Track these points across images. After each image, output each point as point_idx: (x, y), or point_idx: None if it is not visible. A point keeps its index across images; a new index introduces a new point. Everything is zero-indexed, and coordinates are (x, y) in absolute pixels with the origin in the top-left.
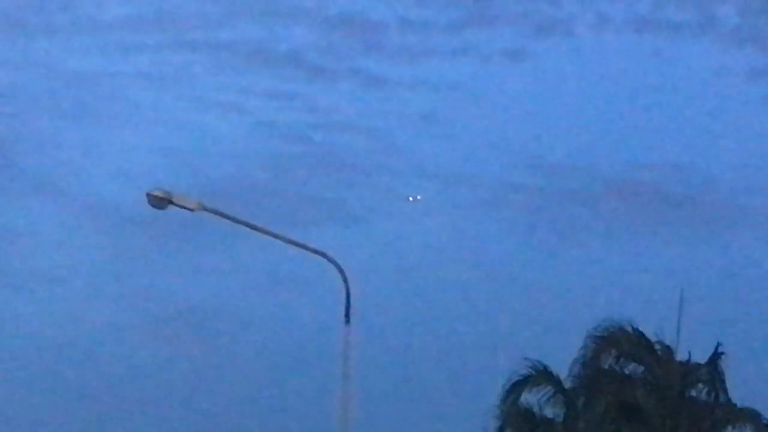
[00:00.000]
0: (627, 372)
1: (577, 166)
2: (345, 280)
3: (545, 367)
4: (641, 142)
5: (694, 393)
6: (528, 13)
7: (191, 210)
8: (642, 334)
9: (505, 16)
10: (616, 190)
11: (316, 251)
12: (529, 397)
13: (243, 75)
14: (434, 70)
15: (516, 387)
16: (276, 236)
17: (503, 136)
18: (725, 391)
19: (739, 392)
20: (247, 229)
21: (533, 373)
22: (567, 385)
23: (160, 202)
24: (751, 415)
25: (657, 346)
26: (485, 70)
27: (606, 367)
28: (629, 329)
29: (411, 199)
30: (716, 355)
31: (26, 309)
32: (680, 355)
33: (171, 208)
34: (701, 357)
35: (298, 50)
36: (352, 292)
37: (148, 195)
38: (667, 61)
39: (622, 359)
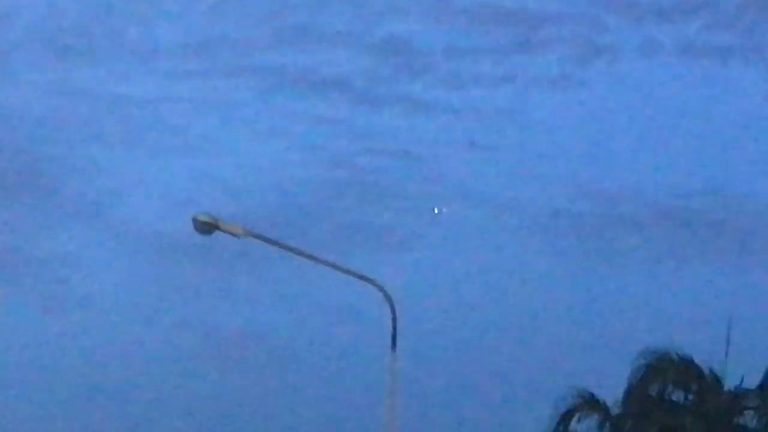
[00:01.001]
0: (675, 399)
1: (623, 192)
2: (392, 307)
3: (592, 396)
4: (688, 168)
5: (743, 420)
6: (574, 39)
7: (237, 236)
8: (690, 361)
9: (551, 42)
10: (662, 216)
11: (362, 277)
12: (577, 426)
13: (289, 101)
14: (480, 96)
15: (565, 417)
16: (322, 262)
17: (549, 162)
18: None
19: None
20: (293, 255)
21: (581, 401)
22: (614, 412)
23: (207, 227)
24: None
25: (705, 373)
26: (531, 96)
27: (653, 394)
28: (676, 357)
29: (436, 211)
30: (766, 381)
31: (70, 335)
32: (729, 382)
33: (217, 234)
34: (751, 383)
35: (343, 76)
36: (399, 318)
37: (194, 220)
38: (716, 86)
39: (669, 387)
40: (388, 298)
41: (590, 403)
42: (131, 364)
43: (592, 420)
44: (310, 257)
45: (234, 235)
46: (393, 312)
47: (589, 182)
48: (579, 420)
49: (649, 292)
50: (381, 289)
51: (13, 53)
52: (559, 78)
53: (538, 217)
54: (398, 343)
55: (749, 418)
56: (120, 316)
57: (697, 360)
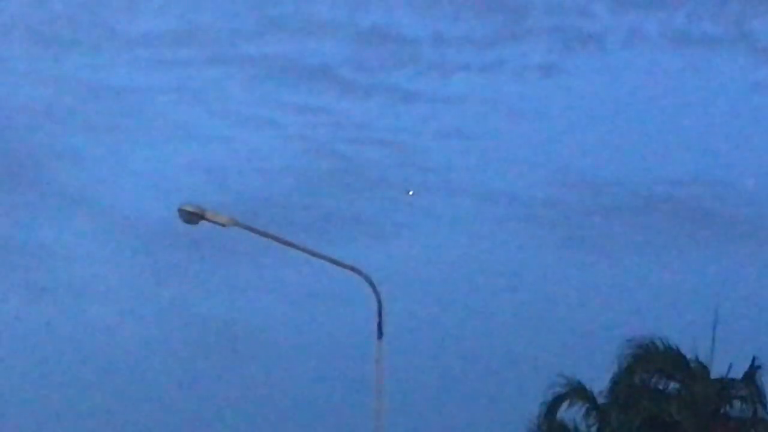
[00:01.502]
0: (662, 388)
1: (611, 181)
2: (377, 295)
3: (580, 384)
4: (676, 157)
5: (730, 409)
6: (561, 28)
7: (223, 225)
8: (676, 350)
9: (537, 31)
10: (649, 205)
11: (348, 266)
12: (564, 414)
13: (274, 89)
14: (466, 85)
15: (553, 405)
16: (308, 251)
17: (536, 151)
18: (764, 405)
19: None
20: (279, 244)
21: (568, 390)
22: (601, 401)
23: (193, 217)
24: None
25: (692, 362)
26: (518, 84)
27: (640, 383)
28: (662, 345)
29: (411, 193)
30: (753, 370)
31: (58, 323)
32: (716, 371)
33: (203, 224)
34: (737, 372)
35: (329, 65)
36: (385, 307)
37: (180, 210)
38: (702, 75)
39: (656, 375)
40: (374, 287)
41: (577, 391)
42: (117, 352)
43: (579, 408)
44: (296, 246)
45: (220, 224)
46: (378, 301)
47: (575, 171)
48: (566, 408)
49: (636, 281)
50: (366, 278)
51: None
52: (546, 66)
53: (524, 206)
54: (384, 331)
55: (736, 407)
56: (106, 305)
57: (683, 349)
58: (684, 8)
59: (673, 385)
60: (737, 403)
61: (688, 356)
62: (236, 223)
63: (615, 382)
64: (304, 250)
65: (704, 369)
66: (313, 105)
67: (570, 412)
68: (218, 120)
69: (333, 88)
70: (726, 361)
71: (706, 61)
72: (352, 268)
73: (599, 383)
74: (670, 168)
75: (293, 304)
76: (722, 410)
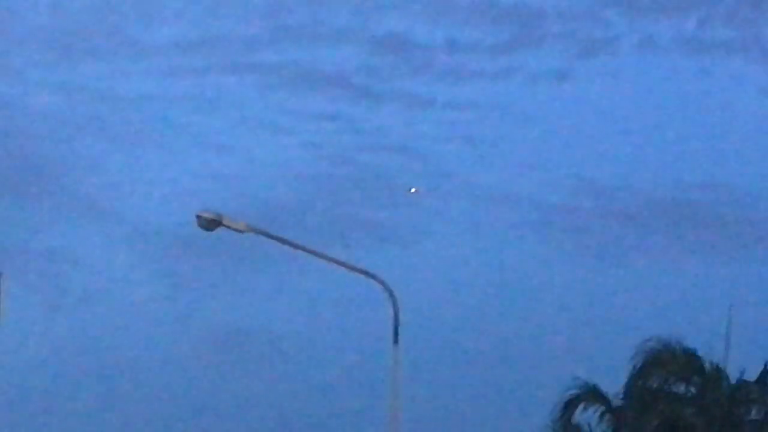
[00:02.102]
0: (676, 391)
1: (623, 186)
2: (393, 301)
3: (595, 387)
4: (687, 161)
5: (744, 411)
6: (573, 34)
7: (240, 232)
8: (691, 353)
9: (550, 37)
10: (662, 210)
11: (364, 272)
12: (579, 417)
13: (289, 97)
14: (480, 92)
15: (568, 406)
16: (325, 257)
17: (550, 157)
18: None
19: None
20: (296, 250)
21: (583, 392)
22: (616, 404)
23: (210, 223)
24: None
25: (706, 365)
26: (531, 91)
27: (655, 386)
28: (678, 348)
29: (413, 190)
30: (766, 373)
31: (73, 331)
32: (730, 374)
33: (220, 230)
34: (751, 375)
35: (344, 72)
36: (401, 312)
37: (198, 216)
38: (714, 80)
39: (671, 378)
40: (390, 293)
41: (593, 394)
42: (135, 359)
43: (595, 411)
44: (313, 252)
45: (237, 230)
46: (395, 306)
47: (588, 176)
48: (582, 411)
49: (650, 285)
50: (383, 283)
51: (15, 51)
52: (559, 73)
53: (539, 211)
54: (400, 336)
55: (750, 411)
56: (123, 312)
57: (698, 352)
58: (696, 14)
59: (687, 389)
60: (751, 407)
61: (703, 360)
62: (253, 230)
63: (630, 385)
64: (320, 256)
65: (719, 372)
66: (328, 112)
67: (585, 415)
68: (234, 127)
69: (348, 95)
70: (740, 364)
71: (717, 66)
72: (369, 274)
73: (614, 386)
74: (683, 173)
75: (310, 310)
76: (736, 413)
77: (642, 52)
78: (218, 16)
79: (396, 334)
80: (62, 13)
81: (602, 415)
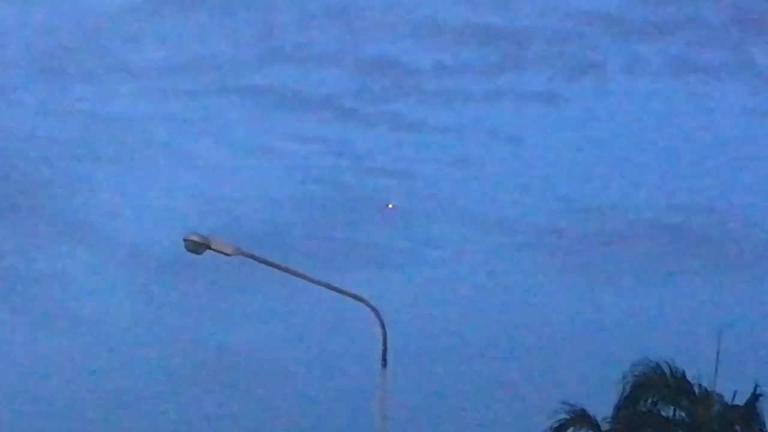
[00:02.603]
0: (665, 414)
1: (611, 207)
2: (382, 324)
3: (584, 410)
4: (676, 184)
5: None
6: (561, 56)
7: (228, 255)
8: (680, 376)
9: (539, 60)
10: (651, 232)
11: (352, 295)
12: None
13: (277, 119)
14: (469, 114)
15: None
16: (313, 281)
17: (538, 179)
18: None
19: None
20: (284, 273)
21: (572, 417)
22: (605, 428)
23: (198, 246)
24: None
25: (695, 389)
26: (519, 112)
27: (644, 409)
28: (667, 371)
29: (390, 206)
30: (755, 397)
31: (62, 354)
32: (719, 397)
33: (208, 253)
34: (740, 398)
35: (332, 94)
36: (389, 335)
37: (186, 240)
38: (702, 102)
39: (660, 402)
40: (378, 316)
41: (581, 418)
42: (123, 382)
43: None
44: (300, 275)
45: (225, 253)
46: (383, 329)
47: (577, 198)
48: None
49: (639, 307)
50: (371, 306)
51: (3, 73)
52: (547, 95)
53: (527, 234)
54: (388, 360)
55: None
56: (112, 335)
57: (687, 375)
58: (684, 36)
59: (677, 412)
60: (738, 429)
61: (692, 382)
62: (241, 253)
63: (619, 409)
64: (308, 278)
65: (707, 395)
66: (317, 134)
67: None
68: (222, 149)
69: (336, 118)
70: (729, 387)
71: (705, 89)
72: (357, 297)
73: (603, 410)
74: (671, 195)
75: (298, 332)
76: None
77: (630, 73)
78: (206, 38)
79: (384, 357)
80: (50, 34)
81: None
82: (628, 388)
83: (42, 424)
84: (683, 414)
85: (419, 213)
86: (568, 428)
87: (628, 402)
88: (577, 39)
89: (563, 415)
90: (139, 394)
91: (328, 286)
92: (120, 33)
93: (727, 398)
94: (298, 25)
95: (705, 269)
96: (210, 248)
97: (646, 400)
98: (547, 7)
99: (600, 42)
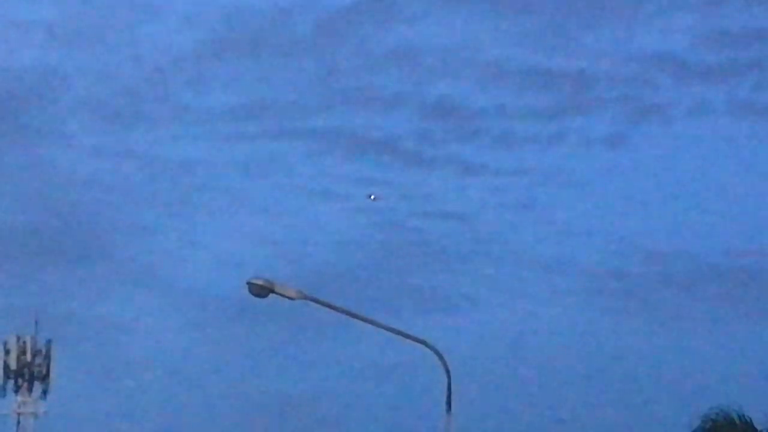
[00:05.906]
0: None
1: (675, 252)
2: (446, 368)
3: None
4: (739, 227)
5: None
6: (625, 99)
7: (292, 299)
8: (748, 423)
9: (602, 102)
10: (715, 276)
11: (416, 339)
12: None
13: (340, 162)
14: (532, 157)
15: None
16: (376, 324)
17: (601, 222)
18: None
19: None
20: (347, 317)
21: None
22: None
23: (262, 290)
24: None
25: None
26: (583, 156)
27: None
28: (736, 418)
29: (372, 198)
30: None
31: (126, 399)
32: None
33: (271, 297)
34: None
35: (395, 137)
36: (453, 379)
37: (250, 284)
38: (766, 145)
39: None
40: (442, 359)
41: None
42: (185, 427)
43: None
44: (364, 319)
45: (288, 297)
46: (447, 373)
47: (641, 242)
48: None
49: (704, 352)
50: (434, 350)
51: (67, 118)
52: (610, 138)
53: (589, 277)
54: (453, 403)
55: None
56: (175, 380)
57: (755, 420)
58: (748, 79)
59: None
60: None
61: (759, 429)
62: (305, 297)
63: None
64: (372, 322)
65: None
66: (379, 178)
67: None
68: (285, 193)
69: (398, 161)
70: None
71: None
72: (420, 341)
73: None
74: (736, 239)
75: (361, 377)
76: None
77: (695, 116)
78: (269, 82)
79: (449, 401)
80: (113, 79)
81: None
82: None
83: None
84: None
85: (482, 256)
86: None
87: None
88: (642, 82)
89: None
90: None
91: (392, 330)
92: (182, 77)
93: None
94: (360, 68)
95: None
96: (273, 292)
97: None
98: (609, 49)
99: (664, 84)
